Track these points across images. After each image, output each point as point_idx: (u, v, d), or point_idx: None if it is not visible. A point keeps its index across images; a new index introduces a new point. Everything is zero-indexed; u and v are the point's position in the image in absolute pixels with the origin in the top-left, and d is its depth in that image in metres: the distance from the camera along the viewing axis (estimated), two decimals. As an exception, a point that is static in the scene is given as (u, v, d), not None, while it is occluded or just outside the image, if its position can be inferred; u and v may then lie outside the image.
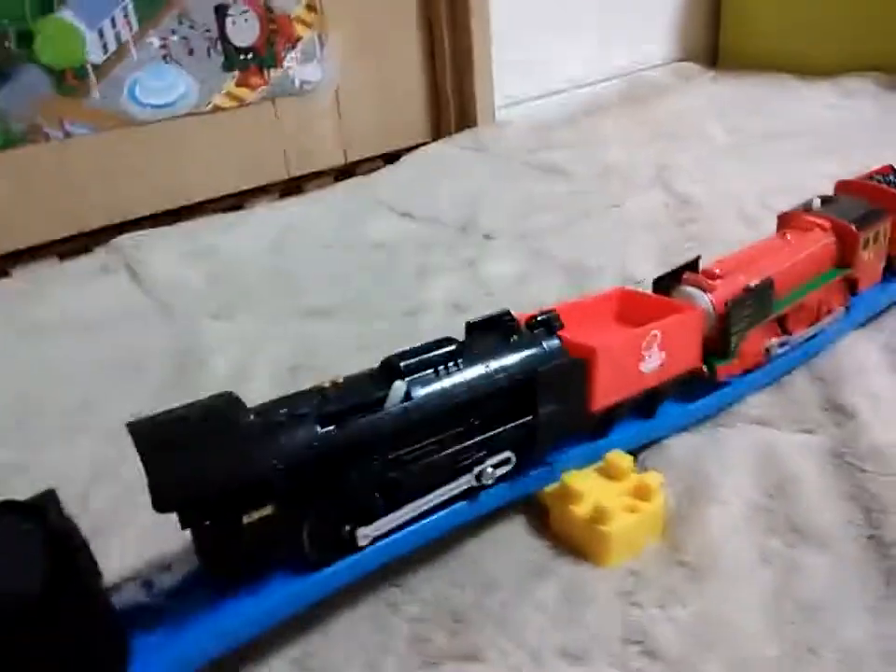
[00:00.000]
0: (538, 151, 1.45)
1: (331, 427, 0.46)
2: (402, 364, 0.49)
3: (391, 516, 0.49)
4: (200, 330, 0.88)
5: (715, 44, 2.00)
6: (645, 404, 0.63)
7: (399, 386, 0.48)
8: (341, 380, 0.48)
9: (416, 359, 0.49)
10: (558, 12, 1.68)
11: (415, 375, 0.49)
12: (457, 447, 0.51)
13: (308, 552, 0.47)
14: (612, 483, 0.57)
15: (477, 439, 0.52)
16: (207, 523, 0.42)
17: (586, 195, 1.23)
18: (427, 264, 1.02)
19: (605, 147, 1.44)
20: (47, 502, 0.39)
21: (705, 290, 0.66)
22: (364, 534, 0.48)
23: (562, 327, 0.56)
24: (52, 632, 0.36)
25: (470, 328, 0.55)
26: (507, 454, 0.53)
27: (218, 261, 1.06)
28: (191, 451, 0.42)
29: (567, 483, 0.56)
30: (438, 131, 1.59)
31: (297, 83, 1.35)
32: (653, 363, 0.60)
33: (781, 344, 0.71)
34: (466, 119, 1.57)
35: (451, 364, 0.50)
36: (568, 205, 1.20)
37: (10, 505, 0.38)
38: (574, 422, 0.57)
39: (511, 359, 0.52)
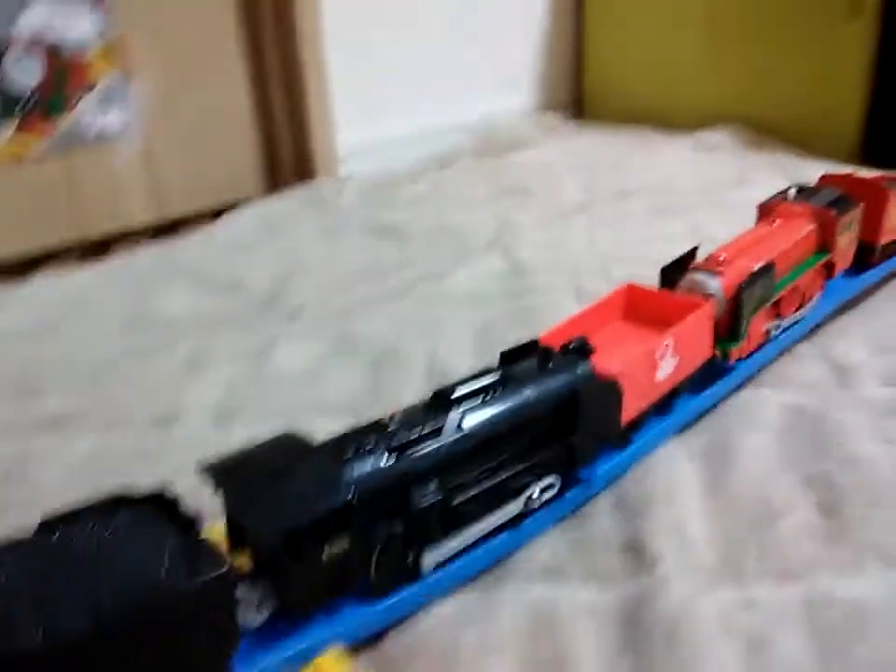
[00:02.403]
0: (378, 209, 1.32)
1: (398, 457, 0.47)
2: (453, 395, 0.51)
3: (455, 541, 0.51)
4: None
5: (580, 94, 1.94)
6: (661, 403, 0.65)
7: (454, 416, 0.50)
8: (399, 414, 0.51)
9: (466, 388, 0.52)
10: (410, 56, 1.59)
11: (467, 404, 0.51)
12: (509, 471, 0.54)
13: (374, 579, 0.47)
14: (322, 698, 0.43)
15: (526, 462, 0.54)
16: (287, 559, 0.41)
17: (417, 262, 1.11)
18: (208, 351, 0.87)
19: (449, 206, 1.33)
20: (168, 495, 0.40)
21: (714, 276, 0.68)
22: (430, 561, 0.50)
23: (593, 351, 0.58)
24: (200, 623, 0.37)
25: (505, 356, 0.58)
26: (551, 479, 0.56)
27: (-42, 350, 0.88)
28: (267, 487, 0.43)
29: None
30: (275, 183, 1.44)
31: (93, 132, 1.19)
32: (668, 369, 0.63)
33: (777, 326, 0.76)
34: (305, 171, 1.44)
35: (496, 392, 0.53)
36: (395, 275, 1.07)
37: (122, 500, 0.39)
38: (608, 437, 0.60)
39: (551, 383, 0.55)
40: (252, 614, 0.43)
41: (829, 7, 1.51)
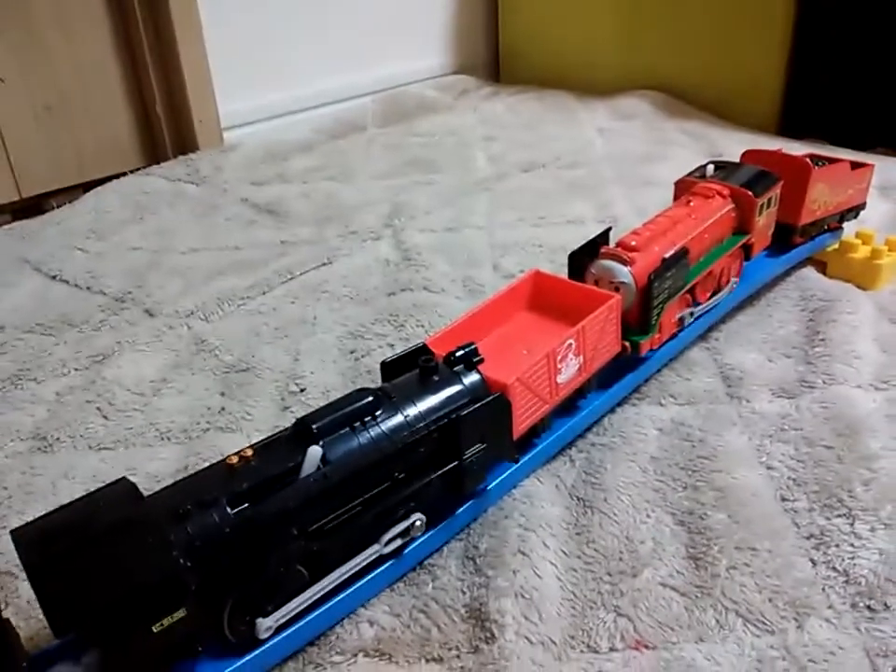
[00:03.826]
0: (262, 184, 1.21)
1: (244, 506, 0.42)
2: (315, 426, 0.46)
3: (293, 603, 0.45)
4: None
5: (496, 55, 1.84)
6: (567, 402, 0.61)
7: (314, 451, 0.45)
8: (250, 452, 0.45)
9: (330, 418, 0.47)
10: (307, 15, 1.45)
11: (331, 436, 0.46)
12: (382, 507, 0.48)
13: (231, 636, 0.43)
14: None
15: (402, 494, 0.49)
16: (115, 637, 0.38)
17: (296, 249, 1.01)
18: (37, 362, 0.76)
19: (342, 180, 1.23)
20: None
21: (625, 263, 0.64)
22: (266, 626, 0.44)
23: (481, 361, 0.53)
24: None
25: (387, 367, 0.53)
26: (416, 518, 0.50)
27: None
28: (87, 560, 0.37)
29: None
30: (154, 155, 1.31)
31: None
32: (571, 371, 0.59)
33: (692, 313, 0.71)
34: (185, 142, 1.31)
35: (368, 419, 0.48)
36: (271, 263, 0.97)
37: None
38: (499, 456, 0.55)
39: (432, 403, 0.51)
40: None
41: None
